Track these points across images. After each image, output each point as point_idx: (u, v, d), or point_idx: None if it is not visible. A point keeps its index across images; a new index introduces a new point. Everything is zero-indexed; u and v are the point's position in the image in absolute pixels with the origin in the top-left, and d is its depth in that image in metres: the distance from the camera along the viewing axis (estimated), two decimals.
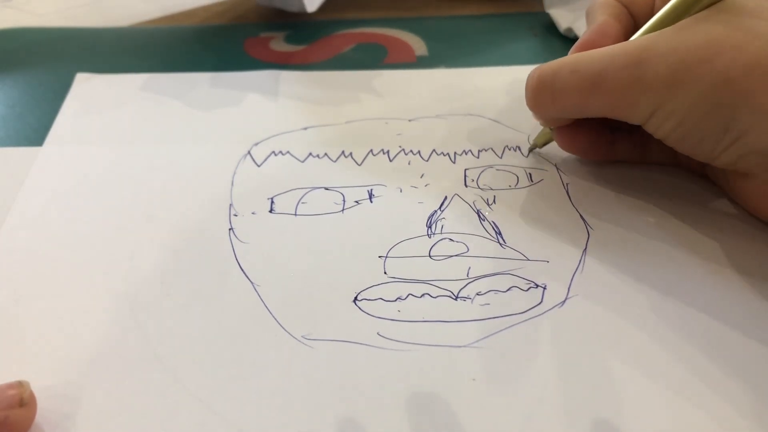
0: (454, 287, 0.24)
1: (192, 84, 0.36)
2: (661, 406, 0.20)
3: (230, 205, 0.28)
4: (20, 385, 0.19)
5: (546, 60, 0.26)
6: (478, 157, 0.31)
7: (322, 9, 0.43)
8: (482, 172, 0.30)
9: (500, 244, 0.26)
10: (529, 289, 0.24)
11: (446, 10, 0.50)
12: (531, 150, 0.31)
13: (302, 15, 0.43)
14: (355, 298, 0.24)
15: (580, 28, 0.41)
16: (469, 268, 0.25)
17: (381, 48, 0.42)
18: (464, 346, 0.22)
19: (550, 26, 0.45)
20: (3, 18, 0.46)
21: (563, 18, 0.43)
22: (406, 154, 0.31)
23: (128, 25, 0.46)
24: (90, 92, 0.36)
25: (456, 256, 0.25)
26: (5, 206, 0.28)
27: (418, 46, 0.43)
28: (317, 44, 0.43)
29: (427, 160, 0.31)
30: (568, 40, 0.43)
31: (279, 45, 0.43)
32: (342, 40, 0.44)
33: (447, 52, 0.42)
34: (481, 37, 0.44)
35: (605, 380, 0.21)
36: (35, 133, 0.33)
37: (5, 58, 0.41)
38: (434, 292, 0.24)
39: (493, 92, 0.36)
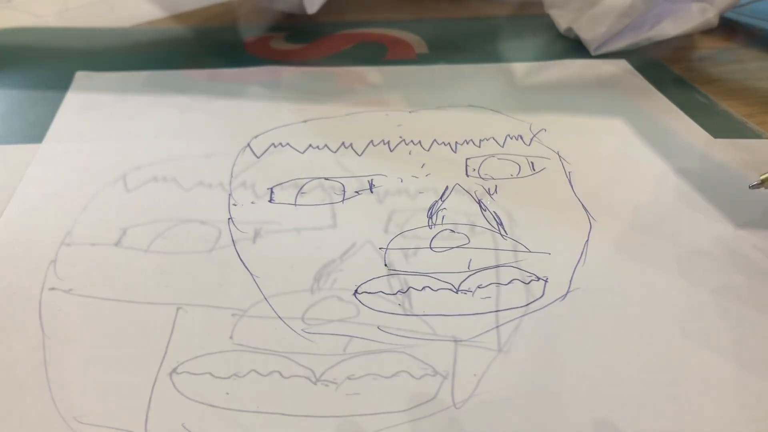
0: (455, 280, 0.24)
1: (191, 80, 0.36)
2: (663, 403, 0.20)
3: (229, 195, 0.28)
4: None
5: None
6: (479, 146, 0.31)
7: (322, 11, 0.43)
8: (484, 161, 0.30)
9: (501, 235, 0.26)
10: (530, 282, 0.24)
11: (447, 13, 0.50)
12: (755, 186, 0.27)
13: (303, 17, 0.43)
14: (356, 291, 0.23)
15: (580, 28, 0.41)
16: (470, 260, 0.24)
17: (381, 46, 0.42)
18: (465, 341, 0.21)
19: (550, 27, 0.45)
20: (3, 18, 0.46)
21: (563, 18, 0.43)
22: (406, 144, 0.31)
23: (128, 27, 0.46)
24: (90, 90, 0.36)
25: (457, 247, 0.25)
26: (5, 203, 0.27)
27: (418, 44, 0.43)
28: (317, 43, 0.43)
29: (427, 150, 0.31)
30: (568, 40, 0.43)
31: (279, 44, 0.43)
32: (342, 39, 0.44)
33: (448, 50, 0.42)
34: (482, 37, 0.44)
35: (606, 375, 0.20)
36: (35, 131, 0.33)
37: (5, 58, 0.41)
38: (435, 285, 0.23)
39: (495, 86, 0.36)
